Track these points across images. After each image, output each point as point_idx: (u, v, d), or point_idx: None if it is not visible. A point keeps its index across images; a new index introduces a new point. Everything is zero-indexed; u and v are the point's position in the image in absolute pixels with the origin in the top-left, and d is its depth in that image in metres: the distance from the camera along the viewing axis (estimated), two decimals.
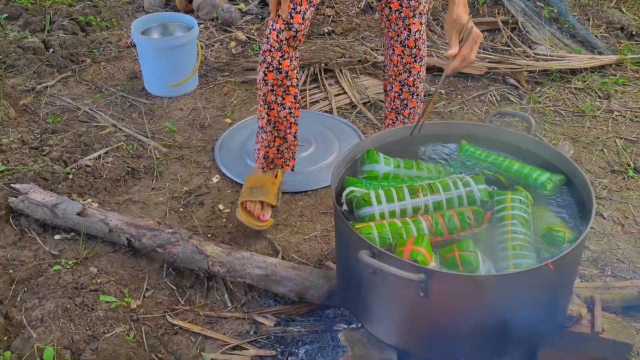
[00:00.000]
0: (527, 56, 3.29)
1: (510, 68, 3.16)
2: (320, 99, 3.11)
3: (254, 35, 3.69)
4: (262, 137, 2.21)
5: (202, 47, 3.35)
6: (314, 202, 2.47)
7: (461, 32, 1.68)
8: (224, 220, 2.38)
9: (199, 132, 2.88)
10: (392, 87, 2.23)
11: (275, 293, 2.00)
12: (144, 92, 3.19)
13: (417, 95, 2.24)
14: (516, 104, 3.00)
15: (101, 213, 2.21)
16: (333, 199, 1.57)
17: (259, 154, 2.27)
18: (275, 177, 2.33)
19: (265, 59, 1.98)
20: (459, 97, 3.09)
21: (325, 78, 3.23)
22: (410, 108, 2.26)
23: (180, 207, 2.44)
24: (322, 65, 3.27)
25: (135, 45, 3.36)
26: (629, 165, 2.56)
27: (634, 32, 3.53)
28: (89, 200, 2.43)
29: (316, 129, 2.85)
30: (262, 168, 2.28)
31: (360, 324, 1.66)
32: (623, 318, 1.70)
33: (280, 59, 1.95)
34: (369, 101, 3.06)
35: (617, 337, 1.60)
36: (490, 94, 3.06)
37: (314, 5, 1.92)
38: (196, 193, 2.51)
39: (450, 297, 1.38)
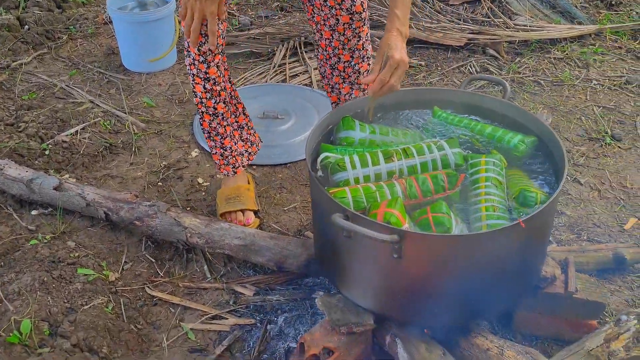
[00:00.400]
0: (507, 27, 3.28)
1: (490, 39, 3.15)
2: (300, 73, 3.09)
3: (232, 10, 3.65)
4: (208, 144, 2.14)
5: (179, 22, 3.30)
6: (294, 174, 2.47)
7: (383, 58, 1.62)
8: (203, 193, 2.37)
9: (178, 107, 2.86)
10: (339, 58, 2.12)
11: (254, 263, 2.00)
12: (122, 68, 3.15)
13: (367, 57, 2.15)
14: (496, 74, 3.00)
15: (78, 187, 2.19)
16: (307, 165, 1.57)
17: (213, 159, 2.19)
18: (248, 182, 2.26)
19: (190, 71, 1.92)
20: (439, 68, 3.08)
21: (305, 52, 3.21)
22: (363, 71, 2.18)
23: (159, 182, 2.42)
24: (302, 39, 3.25)
25: (111, 22, 3.31)
26: (607, 132, 2.58)
27: (613, 2, 3.54)
28: (67, 176, 2.41)
29: (295, 102, 2.84)
30: (224, 172, 2.20)
31: (337, 290, 1.66)
32: (597, 279, 1.72)
33: (207, 69, 1.90)
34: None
35: (590, 297, 1.62)
36: (470, 65, 3.06)
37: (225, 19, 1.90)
38: (175, 167, 2.50)
39: (423, 259, 1.39)
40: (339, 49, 2.07)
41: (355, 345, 1.60)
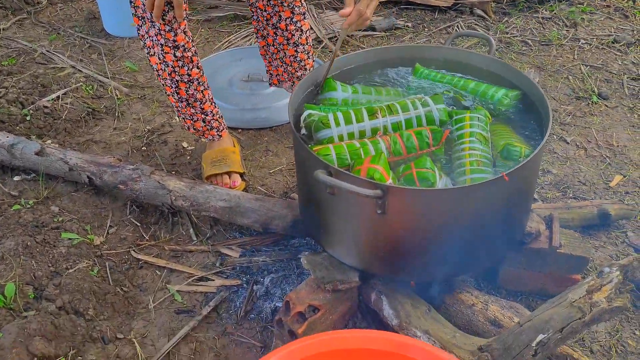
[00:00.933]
0: None
1: None
2: None
3: None
4: (182, 113, 2.08)
5: None
6: (279, 137, 2.45)
7: None
8: (188, 157, 2.34)
9: None
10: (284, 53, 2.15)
11: (240, 225, 1.99)
12: (104, 32, 3.10)
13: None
14: None
15: (60, 152, 2.16)
16: (291, 123, 1.54)
17: (190, 127, 2.14)
18: (233, 145, 2.24)
19: (158, 41, 1.85)
20: (426, 30, 3.04)
21: None
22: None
23: (143, 146, 2.39)
24: None
25: None
26: (593, 91, 2.57)
27: None
28: (49, 141, 2.37)
29: None
30: (208, 137, 2.17)
31: (322, 249, 1.66)
32: (581, 235, 1.72)
33: (175, 37, 1.83)
34: (335, 36, 3.01)
35: (574, 252, 1.63)
36: (457, 26, 3.02)
37: None
38: (159, 132, 2.47)
39: (407, 214, 1.38)
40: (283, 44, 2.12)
41: (340, 303, 1.60)
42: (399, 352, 1.37)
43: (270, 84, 2.32)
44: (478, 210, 1.40)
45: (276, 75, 2.28)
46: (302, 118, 1.61)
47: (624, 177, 2.14)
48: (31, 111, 2.48)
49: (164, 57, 1.87)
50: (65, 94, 2.61)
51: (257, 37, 2.19)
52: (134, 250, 1.95)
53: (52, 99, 2.56)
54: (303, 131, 1.60)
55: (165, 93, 2.02)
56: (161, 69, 1.92)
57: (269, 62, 2.25)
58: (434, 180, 1.39)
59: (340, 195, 1.41)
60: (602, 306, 1.35)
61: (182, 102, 2.01)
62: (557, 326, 1.34)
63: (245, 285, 1.83)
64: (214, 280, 1.86)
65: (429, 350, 1.36)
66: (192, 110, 2.04)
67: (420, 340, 1.45)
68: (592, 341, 1.64)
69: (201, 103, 2.03)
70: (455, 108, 1.64)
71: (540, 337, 1.35)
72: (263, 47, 2.20)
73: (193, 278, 1.86)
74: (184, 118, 2.09)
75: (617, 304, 1.35)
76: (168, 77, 1.93)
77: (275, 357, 1.34)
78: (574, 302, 1.36)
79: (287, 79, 2.25)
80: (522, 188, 1.46)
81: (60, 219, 2.01)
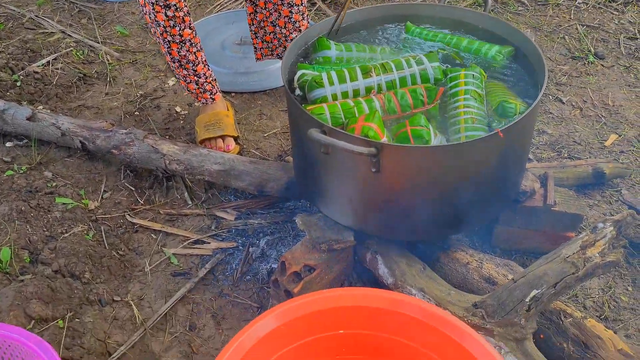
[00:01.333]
0: None
1: None
2: None
3: None
4: (176, 73, 2.06)
5: None
6: (273, 100, 2.43)
7: None
8: (182, 122, 2.33)
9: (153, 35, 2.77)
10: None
11: (235, 189, 1.99)
12: None
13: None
14: None
15: (52, 117, 2.14)
16: (284, 83, 1.53)
17: (185, 88, 2.12)
18: (227, 109, 2.21)
19: (149, 0, 1.81)
20: None
21: None
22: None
23: (135, 111, 2.37)
24: None
25: None
26: (590, 51, 2.54)
27: None
28: (40, 107, 2.35)
29: None
30: (202, 100, 2.15)
31: (317, 210, 1.66)
32: (576, 193, 1.73)
33: None
34: None
35: (568, 209, 1.64)
36: None
37: None
38: (152, 97, 2.44)
39: (402, 172, 1.38)
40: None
41: (336, 263, 1.61)
42: (394, 309, 1.38)
43: (256, 60, 2.28)
44: (473, 168, 1.39)
45: (261, 49, 2.23)
46: (295, 78, 1.59)
47: (619, 136, 2.14)
48: (21, 77, 2.45)
49: (155, 17, 1.85)
50: (55, 59, 2.57)
51: (246, 2, 2.15)
52: (129, 215, 1.95)
53: (42, 65, 2.53)
54: (297, 91, 1.59)
55: (161, 52, 2.00)
56: (153, 27, 1.90)
57: (255, 33, 2.19)
58: (429, 137, 1.38)
59: (335, 154, 1.40)
60: (596, 261, 1.35)
61: (174, 62, 1.99)
62: (550, 281, 1.35)
63: (240, 247, 1.84)
64: (209, 243, 1.86)
65: (424, 307, 1.37)
66: (185, 72, 2.02)
67: (415, 297, 1.46)
68: (585, 297, 1.65)
69: (194, 65, 2.00)
70: (449, 66, 1.62)
71: (534, 292, 1.36)
72: (250, 14, 2.15)
73: (189, 241, 1.87)
74: (178, 78, 2.08)
75: (610, 258, 1.36)
76: (160, 37, 1.91)
77: (272, 315, 1.35)
78: (567, 257, 1.37)
79: (277, 46, 2.20)
80: (517, 145, 1.46)
81: (54, 184, 2.00)
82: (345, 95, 1.54)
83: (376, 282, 1.61)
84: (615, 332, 1.44)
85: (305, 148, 1.53)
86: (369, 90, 1.55)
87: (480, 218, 1.57)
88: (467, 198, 1.46)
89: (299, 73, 1.59)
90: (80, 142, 2.08)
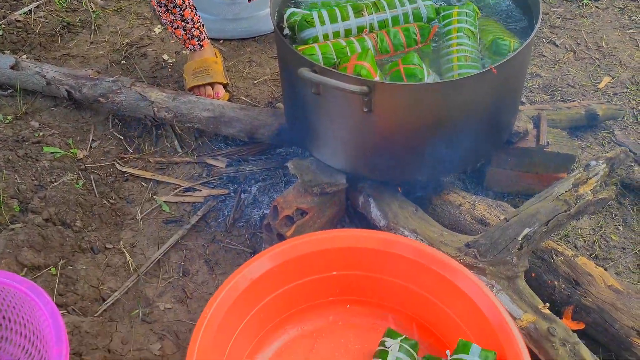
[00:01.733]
0: None
1: None
2: None
3: None
4: (163, 19, 2.00)
5: None
6: (263, 47, 2.38)
7: None
8: (170, 70, 2.28)
9: None
10: None
11: (225, 136, 1.97)
12: None
13: None
14: None
15: (36, 66, 2.09)
16: (273, 23, 1.49)
17: (172, 34, 2.06)
18: (216, 56, 2.15)
19: None
20: None
21: None
22: None
23: (122, 60, 2.32)
24: None
25: None
26: None
27: None
28: (24, 56, 2.29)
29: None
30: (190, 47, 2.09)
31: (309, 154, 1.64)
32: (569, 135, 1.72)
33: None
34: None
35: (561, 150, 1.63)
36: None
37: None
38: (138, 45, 2.39)
39: (394, 111, 1.36)
40: None
41: (328, 206, 1.60)
42: (387, 250, 1.39)
43: (248, 1, 2.21)
44: (466, 107, 1.38)
45: None
46: (284, 17, 1.55)
47: (613, 78, 2.12)
48: (3, 25, 2.38)
49: None
50: (37, 7, 2.50)
51: None
52: (118, 164, 1.93)
53: (25, 13, 2.46)
54: (286, 31, 1.55)
55: None
56: None
57: None
58: (422, 76, 1.36)
59: (326, 94, 1.38)
60: (588, 198, 1.36)
61: (161, 7, 1.94)
62: (543, 219, 1.36)
63: (232, 194, 1.83)
64: (201, 190, 1.85)
65: (417, 246, 1.38)
66: (172, 17, 1.97)
67: (408, 238, 1.46)
68: (576, 237, 1.66)
69: (181, 9, 1.95)
70: (443, 4, 1.59)
71: (526, 230, 1.36)
72: None
73: (180, 189, 1.85)
74: (165, 24, 2.03)
75: (602, 195, 1.36)
76: None
77: (265, 257, 1.36)
78: (560, 195, 1.37)
79: None
80: (510, 83, 1.44)
81: (41, 133, 1.97)
82: (336, 35, 1.51)
83: (369, 226, 1.61)
84: (605, 270, 1.45)
85: (296, 90, 1.50)
86: (361, 29, 1.52)
87: (473, 158, 1.56)
88: (460, 138, 1.44)
89: (288, 12, 1.55)
90: (67, 90, 2.04)
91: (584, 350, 1.29)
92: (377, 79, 1.36)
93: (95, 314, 1.52)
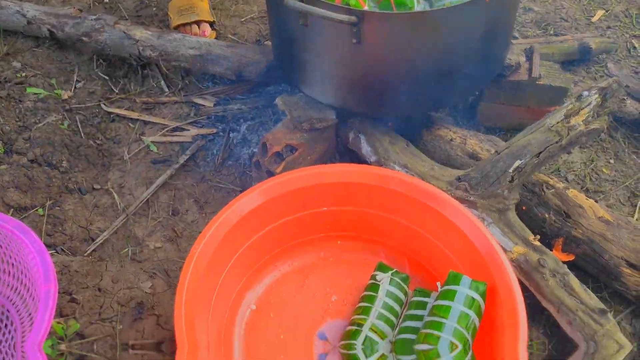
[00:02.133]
0: None
1: None
2: None
3: None
4: None
5: None
6: None
7: None
8: (154, 8, 2.21)
9: None
10: None
11: (213, 75, 1.92)
12: None
13: None
14: None
15: (16, 4, 2.02)
16: None
17: None
18: None
19: None
20: None
21: None
22: None
23: None
24: None
25: None
26: None
27: None
28: None
29: None
30: None
31: (298, 90, 1.61)
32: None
33: None
34: None
35: (554, 82, 1.61)
36: None
37: None
38: None
39: (384, 42, 1.32)
40: None
41: (318, 143, 1.58)
42: (378, 184, 1.38)
43: None
44: (457, 37, 1.34)
45: None
46: None
47: (607, 11, 2.07)
48: None
49: None
50: None
51: None
52: (104, 104, 1.89)
53: None
54: None
55: None
56: None
57: None
58: (412, 5, 1.32)
59: (314, 26, 1.34)
60: (580, 129, 1.34)
61: None
62: (534, 151, 1.35)
63: (221, 133, 1.80)
64: (189, 130, 1.82)
65: (408, 180, 1.36)
66: None
67: (399, 172, 1.45)
68: (567, 171, 1.66)
69: None
70: None
71: (518, 163, 1.35)
72: None
73: (167, 129, 1.82)
74: None
75: (594, 126, 1.35)
76: None
77: (256, 192, 1.34)
78: (551, 127, 1.36)
79: None
80: (503, 12, 1.40)
81: (24, 74, 1.92)
82: None
83: (359, 162, 1.60)
84: (596, 202, 1.45)
85: (283, 23, 1.46)
86: None
87: (465, 91, 1.54)
88: (451, 69, 1.41)
89: None
90: (49, 29, 1.98)
91: (574, 281, 1.30)
92: (366, 8, 1.32)
93: (84, 254, 1.52)
